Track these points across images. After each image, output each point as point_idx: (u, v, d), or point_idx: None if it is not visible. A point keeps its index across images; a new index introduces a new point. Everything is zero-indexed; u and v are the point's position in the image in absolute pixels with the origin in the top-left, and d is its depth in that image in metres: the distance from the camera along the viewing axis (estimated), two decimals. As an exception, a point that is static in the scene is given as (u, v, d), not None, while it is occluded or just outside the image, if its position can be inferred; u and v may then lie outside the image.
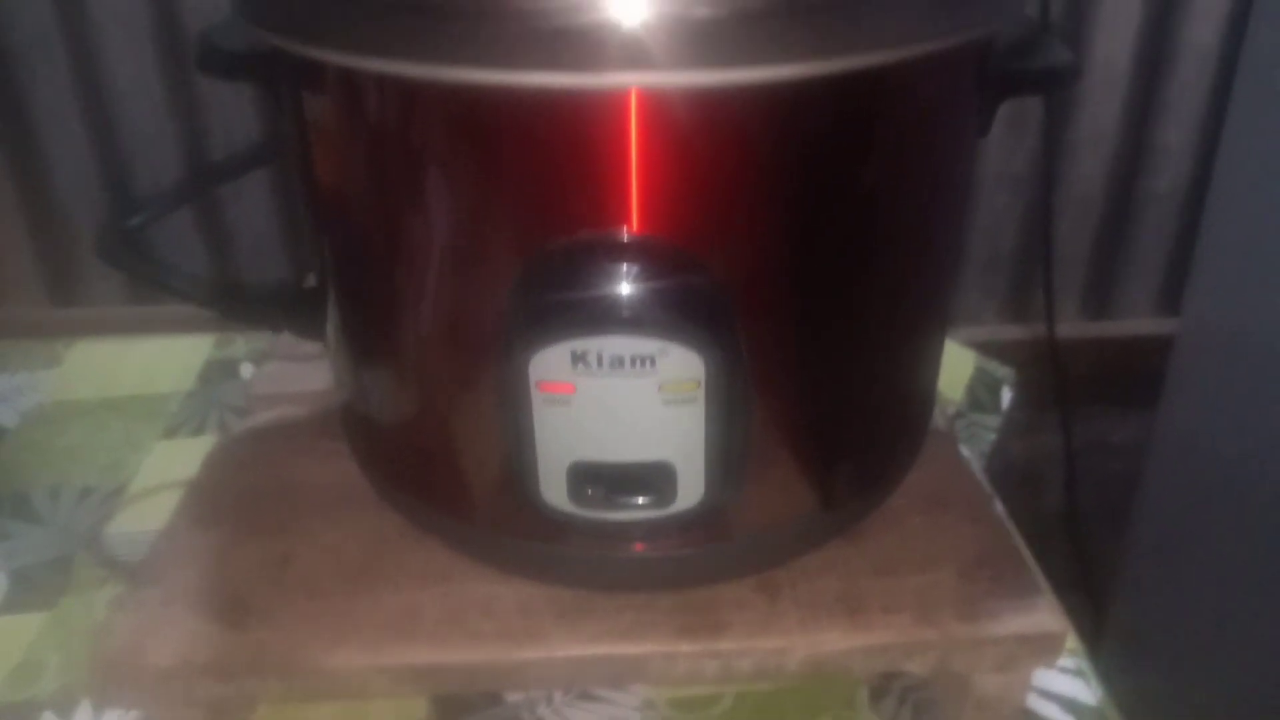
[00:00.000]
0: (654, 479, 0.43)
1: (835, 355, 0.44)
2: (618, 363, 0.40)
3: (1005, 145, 1.01)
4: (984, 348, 1.07)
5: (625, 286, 0.39)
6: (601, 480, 0.43)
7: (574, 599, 0.49)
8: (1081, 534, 1.11)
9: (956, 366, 0.92)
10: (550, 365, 0.40)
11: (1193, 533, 1.01)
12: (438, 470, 0.49)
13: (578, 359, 0.40)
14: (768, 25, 0.35)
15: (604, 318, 0.39)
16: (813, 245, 0.41)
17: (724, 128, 0.37)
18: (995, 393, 0.90)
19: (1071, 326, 1.11)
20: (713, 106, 0.37)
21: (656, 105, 0.36)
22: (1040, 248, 1.02)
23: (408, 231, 0.42)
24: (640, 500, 0.44)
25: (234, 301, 0.56)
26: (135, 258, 0.56)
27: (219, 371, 0.84)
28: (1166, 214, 1.02)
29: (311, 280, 0.53)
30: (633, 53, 0.34)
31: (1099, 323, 1.10)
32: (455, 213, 0.40)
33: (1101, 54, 0.95)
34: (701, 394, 0.41)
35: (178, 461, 0.74)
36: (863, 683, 0.57)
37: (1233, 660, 0.92)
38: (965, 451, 0.69)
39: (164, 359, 0.86)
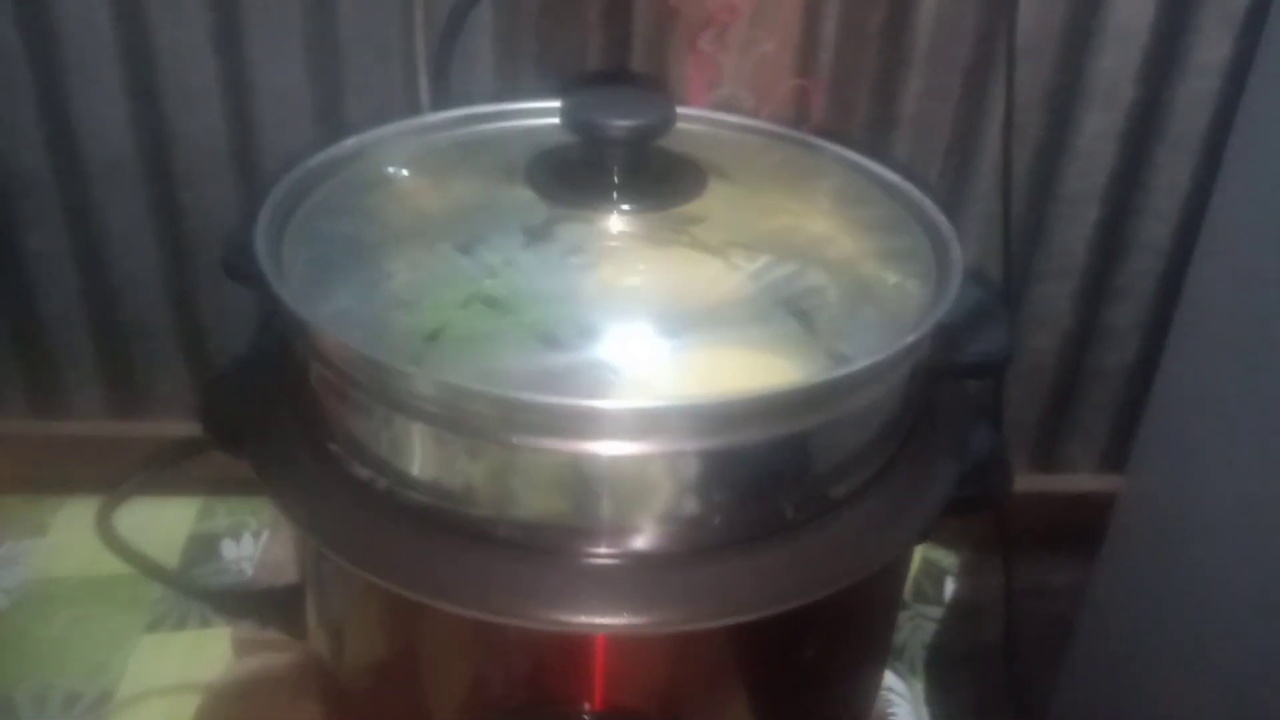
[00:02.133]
0: None
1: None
2: (576, 802, 0.44)
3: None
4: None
5: (587, 747, 0.44)
6: None
7: None
8: (1018, 669, 1.17)
9: (904, 557, 0.98)
10: (515, 798, 0.45)
11: (1125, 675, 1.07)
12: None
13: (540, 796, 0.44)
14: (716, 575, 0.39)
15: (565, 771, 0.44)
16: (758, 708, 0.45)
17: (672, 651, 0.42)
18: (939, 584, 0.95)
19: (1019, 479, 1.17)
20: (666, 639, 0.41)
21: (617, 639, 0.40)
22: (993, 407, 1.07)
23: (393, 672, 0.46)
24: None
25: (221, 598, 0.60)
26: (131, 547, 0.60)
27: (201, 549, 0.87)
28: (1114, 386, 1.08)
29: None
30: (596, 607, 0.38)
31: (1045, 475, 1.15)
32: (435, 679, 0.44)
33: (1058, 245, 0.99)
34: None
35: (160, 662, 0.78)
36: None
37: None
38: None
39: (147, 530, 0.88)
